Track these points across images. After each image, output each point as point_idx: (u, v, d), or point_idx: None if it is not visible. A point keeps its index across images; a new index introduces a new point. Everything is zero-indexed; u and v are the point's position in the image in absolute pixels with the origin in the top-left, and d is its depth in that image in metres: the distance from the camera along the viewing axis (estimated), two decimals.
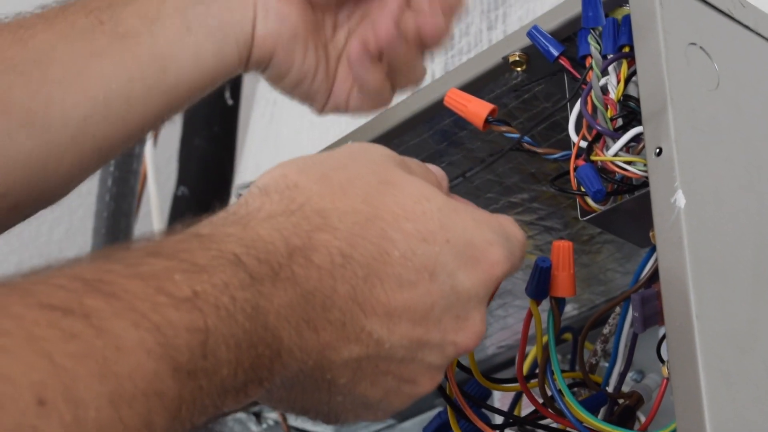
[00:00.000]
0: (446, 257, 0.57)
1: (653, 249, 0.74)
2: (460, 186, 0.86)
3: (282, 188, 0.56)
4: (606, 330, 0.79)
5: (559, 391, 0.68)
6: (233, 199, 1.33)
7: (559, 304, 0.68)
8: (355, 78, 0.80)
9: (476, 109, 0.71)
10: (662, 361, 0.79)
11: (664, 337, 0.79)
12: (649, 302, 0.71)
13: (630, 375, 0.86)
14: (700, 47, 0.68)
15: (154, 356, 0.46)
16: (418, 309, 0.56)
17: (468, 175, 0.84)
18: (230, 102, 1.39)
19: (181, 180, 1.38)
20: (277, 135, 1.24)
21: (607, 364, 0.79)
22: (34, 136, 0.74)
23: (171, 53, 0.78)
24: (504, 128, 0.71)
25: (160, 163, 1.31)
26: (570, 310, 1.02)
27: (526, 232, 0.93)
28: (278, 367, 0.52)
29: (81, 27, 0.76)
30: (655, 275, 0.74)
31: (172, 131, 1.24)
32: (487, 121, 0.70)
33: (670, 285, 0.62)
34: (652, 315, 0.71)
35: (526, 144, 0.70)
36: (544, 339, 0.69)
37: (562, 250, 0.66)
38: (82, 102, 0.75)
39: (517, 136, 0.70)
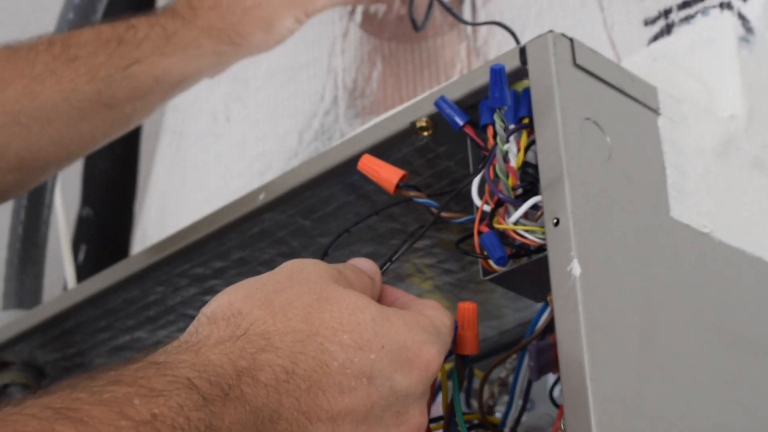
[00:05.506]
0: (382, 362, 0.63)
1: (548, 303, 0.79)
2: (364, 233, 0.91)
3: (228, 316, 0.61)
4: (503, 374, 0.85)
5: None
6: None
7: (463, 360, 0.73)
8: None
9: (387, 176, 0.75)
10: (554, 403, 0.85)
11: (556, 381, 0.86)
12: (543, 353, 0.76)
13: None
14: (594, 122, 0.74)
15: None
16: (359, 411, 0.62)
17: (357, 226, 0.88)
18: None
19: (86, 201, 1.41)
20: (183, 166, 1.27)
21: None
22: (17, 176, 0.91)
23: None
24: (413, 193, 0.75)
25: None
26: None
27: (425, 274, 0.99)
28: None
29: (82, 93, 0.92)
30: (549, 327, 0.80)
31: None
32: (397, 187, 0.75)
33: (566, 349, 0.67)
34: (546, 364, 0.76)
35: (434, 209, 0.75)
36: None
37: (467, 311, 0.71)
38: (65, 157, 0.94)
39: (425, 201, 0.75)
